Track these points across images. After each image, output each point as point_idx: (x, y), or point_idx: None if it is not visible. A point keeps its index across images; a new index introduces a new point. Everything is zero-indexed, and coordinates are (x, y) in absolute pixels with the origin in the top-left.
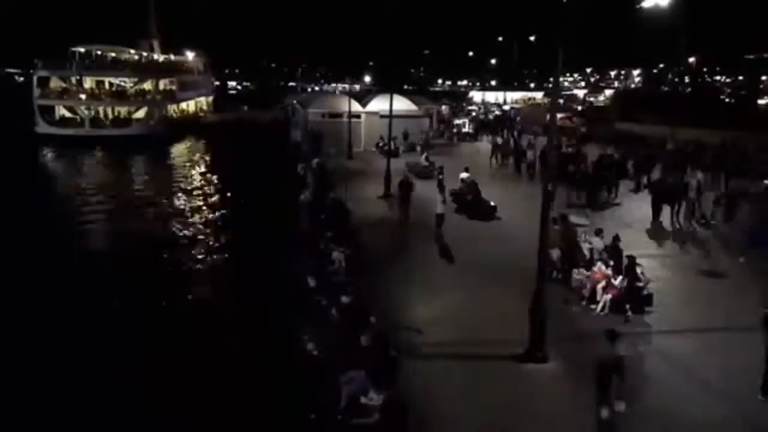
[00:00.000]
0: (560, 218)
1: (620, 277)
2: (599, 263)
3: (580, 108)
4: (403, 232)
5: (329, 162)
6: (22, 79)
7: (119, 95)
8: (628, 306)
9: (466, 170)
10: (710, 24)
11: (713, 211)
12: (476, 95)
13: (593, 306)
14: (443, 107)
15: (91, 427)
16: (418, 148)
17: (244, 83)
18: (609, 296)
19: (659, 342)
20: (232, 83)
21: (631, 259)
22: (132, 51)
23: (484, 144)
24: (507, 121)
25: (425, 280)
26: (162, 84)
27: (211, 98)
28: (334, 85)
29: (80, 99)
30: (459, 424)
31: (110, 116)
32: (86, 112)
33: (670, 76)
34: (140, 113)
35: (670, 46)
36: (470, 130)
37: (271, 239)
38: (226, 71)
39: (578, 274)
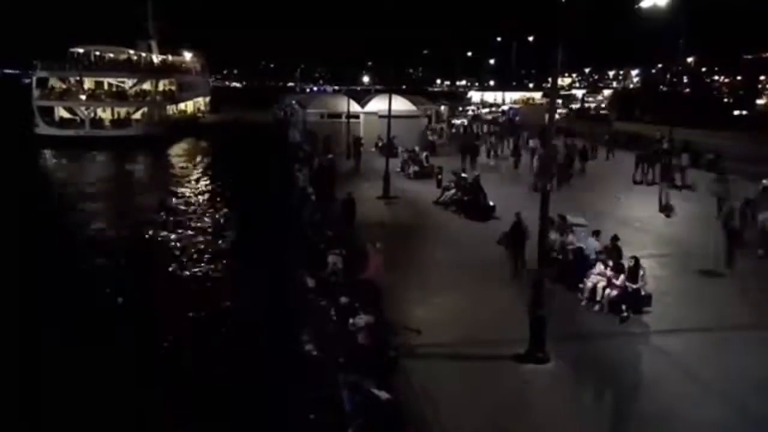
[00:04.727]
0: (558, 218)
1: (622, 276)
2: (599, 264)
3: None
4: (401, 233)
5: (329, 161)
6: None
7: (119, 96)
8: (624, 306)
9: (464, 171)
10: (708, 24)
11: None
12: (475, 95)
13: (595, 306)
14: (442, 107)
15: (89, 426)
16: (416, 148)
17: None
18: (613, 293)
19: (657, 342)
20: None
21: (636, 259)
22: (131, 51)
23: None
24: (508, 122)
25: (424, 280)
26: (161, 84)
27: (208, 98)
28: (328, 87)
29: (80, 100)
30: (458, 424)
31: (110, 117)
32: (86, 112)
33: (668, 76)
34: (140, 114)
35: (669, 46)
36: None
37: (270, 240)
38: (225, 71)
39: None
